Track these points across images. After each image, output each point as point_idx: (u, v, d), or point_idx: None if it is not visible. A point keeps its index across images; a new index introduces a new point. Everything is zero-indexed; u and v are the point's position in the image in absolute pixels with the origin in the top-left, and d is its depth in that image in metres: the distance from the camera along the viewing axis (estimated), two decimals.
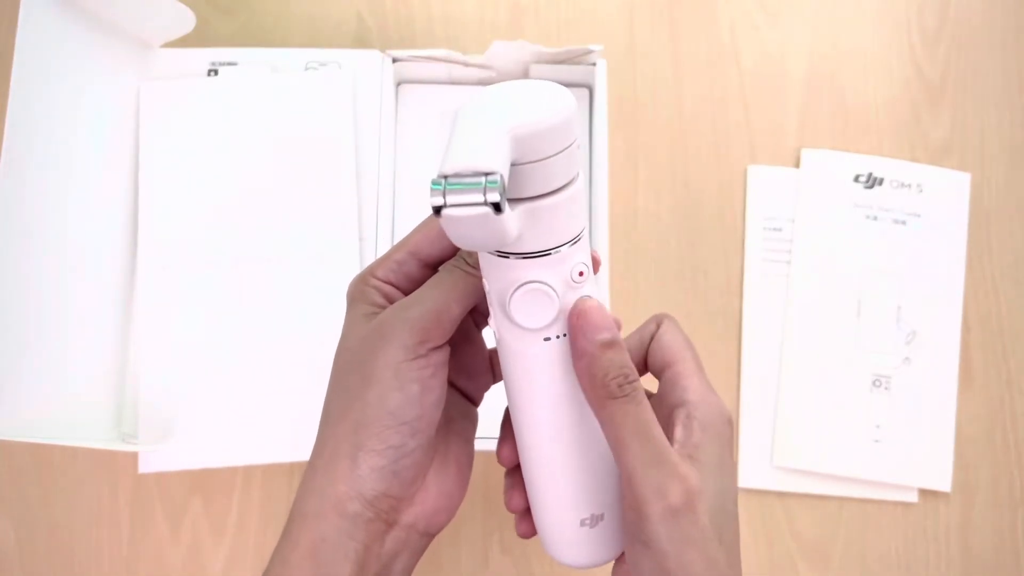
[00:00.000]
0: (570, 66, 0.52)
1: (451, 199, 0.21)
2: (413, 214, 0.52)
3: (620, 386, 0.26)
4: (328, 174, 0.51)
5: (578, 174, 0.25)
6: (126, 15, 0.49)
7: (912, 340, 0.56)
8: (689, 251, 0.57)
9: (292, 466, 0.53)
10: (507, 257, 0.25)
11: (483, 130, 0.22)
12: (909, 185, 0.58)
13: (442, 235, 0.29)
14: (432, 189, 0.21)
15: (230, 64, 0.52)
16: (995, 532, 0.54)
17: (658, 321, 0.32)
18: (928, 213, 0.58)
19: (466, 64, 0.52)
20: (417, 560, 0.30)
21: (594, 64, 0.51)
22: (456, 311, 0.28)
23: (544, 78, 0.53)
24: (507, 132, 0.22)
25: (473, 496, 0.52)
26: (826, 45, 0.60)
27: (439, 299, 0.28)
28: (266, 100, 0.52)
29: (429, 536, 0.30)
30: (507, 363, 0.28)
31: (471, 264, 0.28)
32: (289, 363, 0.49)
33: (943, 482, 0.55)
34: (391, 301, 0.30)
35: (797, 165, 0.58)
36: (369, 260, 0.50)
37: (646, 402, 0.27)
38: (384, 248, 0.50)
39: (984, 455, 0.55)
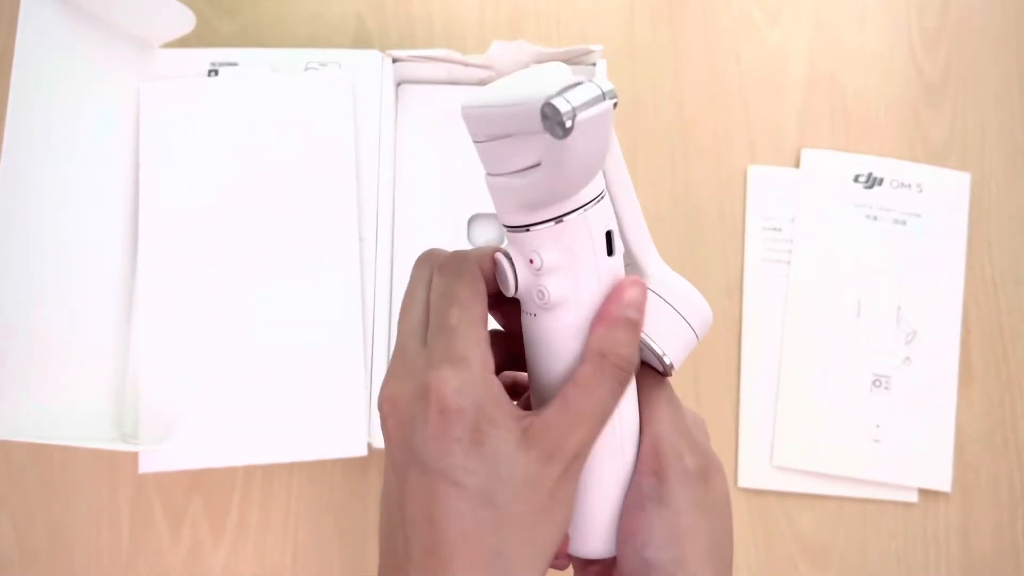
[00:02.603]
0: (570, 66, 0.52)
1: (578, 102, 0.21)
2: (413, 214, 0.52)
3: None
4: (328, 174, 0.51)
5: (540, 166, 0.24)
6: (126, 15, 0.49)
7: (912, 340, 0.56)
8: (689, 251, 0.57)
9: (292, 466, 0.53)
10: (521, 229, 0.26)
11: (529, 75, 0.23)
12: (909, 185, 0.58)
13: (486, 295, 0.27)
14: (553, 106, 0.21)
15: (230, 64, 0.52)
16: (995, 532, 0.54)
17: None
18: (928, 213, 0.58)
19: (466, 64, 0.52)
20: None
21: (594, 64, 0.51)
22: None
23: None
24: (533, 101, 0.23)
25: None
26: (826, 45, 0.60)
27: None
28: (266, 100, 0.52)
29: None
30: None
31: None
32: (289, 363, 0.49)
33: (943, 482, 0.55)
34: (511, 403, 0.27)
35: (797, 165, 0.58)
36: (369, 260, 0.50)
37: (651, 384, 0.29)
38: (384, 248, 0.50)
39: (984, 455, 0.55)
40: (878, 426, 0.55)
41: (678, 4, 0.60)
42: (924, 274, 0.57)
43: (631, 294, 0.27)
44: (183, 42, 0.52)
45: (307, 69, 0.53)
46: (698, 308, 0.28)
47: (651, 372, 0.29)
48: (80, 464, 0.52)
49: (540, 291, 0.26)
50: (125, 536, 0.52)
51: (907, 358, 0.56)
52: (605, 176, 0.27)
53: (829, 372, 0.56)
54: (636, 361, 0.27)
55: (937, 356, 0.56)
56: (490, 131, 0.24)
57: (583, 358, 0.26)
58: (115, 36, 0.49)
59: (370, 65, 0.52)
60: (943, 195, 0.58)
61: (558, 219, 0.25)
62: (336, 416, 0.48)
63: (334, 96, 0.52)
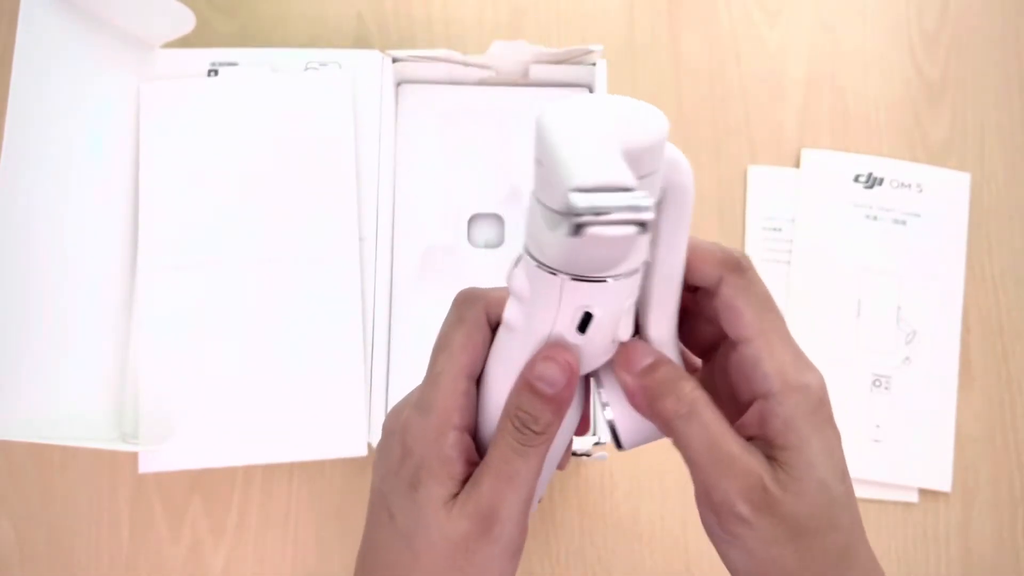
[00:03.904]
0: (570, 66, 0.52)
1: (600, 215, 0.18)
2: (413, 214, 0.52)
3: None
4: (328, 174, 0.51)
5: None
6: (126, 15, 0.49)
7: (912, 340, 0.56)
8: None
9: (292, 466, 0.53)
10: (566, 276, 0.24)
11: (598, 143, 0.20)
12: (909, 185, 0.58)
13: (486, 342, 0.27)
14: (573, 205, 0.18)
15: (230, 64, 0.52)
16: (995, 532, 0.54)
17: (716, 280, 0.27)
18: (928, 213, 0.58)
19: (466, 64, 0.52)
20: None
21: (594, 64, 0.51)
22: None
23: (544, 78, 0.53)
24: (620, 145, 0.20)
25: None
26: (826, 45, 0.60)
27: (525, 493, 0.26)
28: (266, 100, 0.52)
29: None
30: None
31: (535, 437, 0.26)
32: (289, 363, 0.49)
33: (943, 482, 0.55)
34: (472, 463, 0.27)
35: (797, 165, 0.58)
36: (369, 260, 0.50)
37: (708, 412, 0.25)
38: (384, 249, 0.50)
39: (984, 455, 0.55)
40: (878, 426, 0.55)
41: (678, 4, 0.60)
42: (924, 274, 0.57)
43: (541, 369, 0.25)
44: (183, 42, 0.52)
45: (307, 69, 0.53)
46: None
47: (678, 421, 0.26)
48: (80, 464, 0.52)
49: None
50: (125, 536, 0.52)
51: (907, 358, 0.56)
52: (652, 259, 0.25)
53: (829, 372, 0.55)
54: (546, 430, 0.26)
55: (937, 356, 0.56)
56: (536, 153, 0.22)
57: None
58: (115, 36, 0.49)
59: (370, 65, 0.52)
60: (943, 195, 0.58)
61: (539, 263, 0.23)
62: (336, 416, 0.48)
63: (334, 96, 0.52)
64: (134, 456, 0.50)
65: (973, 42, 0.60)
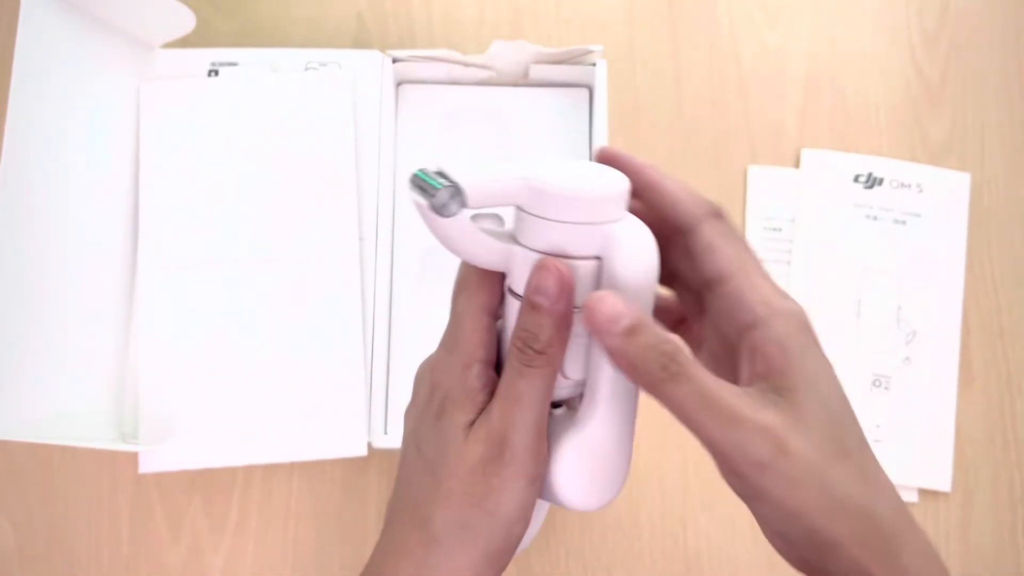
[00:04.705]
0: (570, 66, 0.52)
1: (416, 188, 0.25)
2: (413, 214, 0.52)
3: (664, 367, 0.25)
4: (328, 174, 0.51)
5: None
6: (126, 15, 0.49)
7: (912, 340, 0.56)
8: None
9: (292, 466, 0.53)
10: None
11: (515, 166, 0.26)
12: (909, 185, 0.58)
13: (502, 279, 0.28)
14: (412, 175, 0.25)
15: (230, 64, 0.52)
16: (995, 532, 0.54)
17: (697, 220, 0.28)
18: (928, 213, 0.58)
19: (466, 64, 0.52)
20: None
21: (594, 64, 0.51)
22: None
23: (544, 78, 0.53)
24: (524, 177, 0.25)
25: None
26: (826, 45, 0.60)
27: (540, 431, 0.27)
28: (266, 100, 0.52)
29: None
30: None
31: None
32: (289, 363, 0.49)
33: (943, 482, 0.55)
34: (490, 395, 0.28)
35: (797, 165, 0.58)
36: (369, 260, 0.50)
37: (698, 372, 0.25)
38: (384, 248, 0.50)
39: (984, 455, 0.55)
40: (878, 426, 0.55)
41: (678, 4, 0.60)
42: (924, 274, 0.57)
43: (536, 279, 0.26)
44: (183, 42, 0.52)
45: (307, 69, 0.53)
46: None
47: (669, 384, 0.25)
48: (80, 464, 0.52)
49: None
50: (125, 536, 0.52)
51: (907, 358, 0.56)
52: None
53: None
54: (546, 349, 0.26)
55: (937, 356, 0.56)
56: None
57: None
58: (115, 36, 0.49)
59: (370, 65, 0.52)
60: (943, 195, 0.58)
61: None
62: (336, 416, 0.48)
63: (334, 96, 0.52)
64: (134, 456, 0.50)
65: (973, 42, 0.60)
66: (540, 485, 0.28)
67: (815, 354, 0.26)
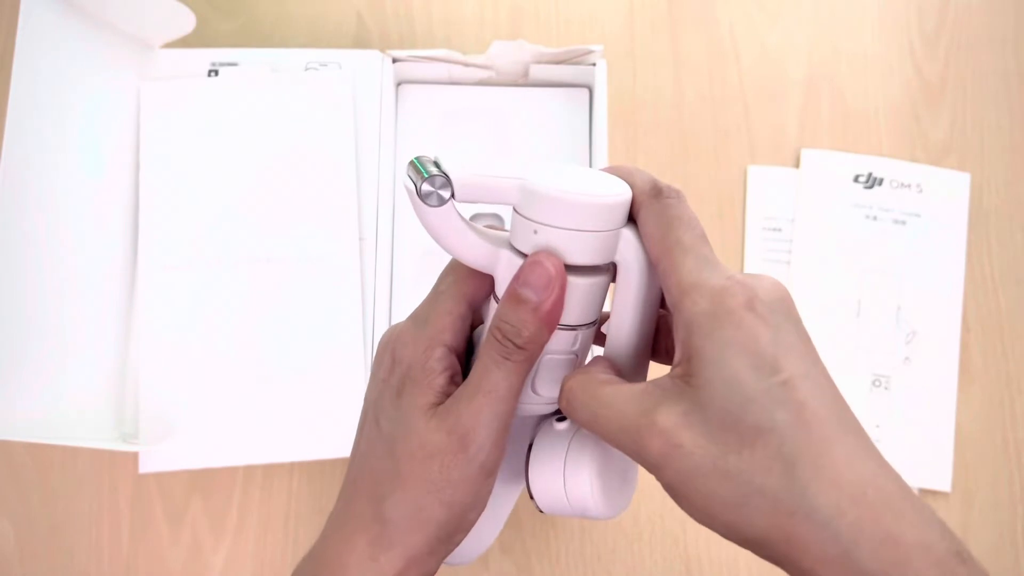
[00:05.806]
0: (570, 66, 0.52)
1: (409, 174, 0.25)
2: (413, 214, 0.52)
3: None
4: (328, 174, 0.51)
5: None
6: (126, 16, 0.49)
7: (912, 340, 0.56)
8: None
9: (292, 466, 0.53)
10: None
11: (513, 166, 0.25)
12: (909, 185, 0.58)
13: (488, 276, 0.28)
14: (409, 161, 0.25)
15: (230, 64, 0.52)
16: (995, 532, 0.54)
17: (639, 206, 0.26)
18: (928, 213, 0.58)
19: (466, 64, 0.52)
20: None
21: (594, 64, 0.51)
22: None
23: (544, 78, 0.53)
24: (519, 177, 0.25)
25: None
26: (826, 45, 0.60)
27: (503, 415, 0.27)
28: (266, 100, 0.52)
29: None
30: None
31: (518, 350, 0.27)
32: (289, 363, 0.49)
33: (943, 482, 0.55)
34: (455, 383, 0.27)
35: (797, 165, 0.58)
36: (369, 260, 0.50)
37: (591, 378, 0.25)
38: (384, 248, 0.50)
39: (984, 455, 0.55)
40: (878, 426, 0.55)
41: (678, 4, 0.60)
42: (924, 274, 0.57)
43: (527, 272, 0.25)
44: (183, 42, 0.52)
45: (307, 69, 0.53)
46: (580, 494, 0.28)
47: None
48: (80, 464, 0.52)
49: None
50: (125, 536, 0.52)
51: (907, 358, 0.56)
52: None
53: (829, 372, 0.55)
54: (527, 345, 0.26)
55: (937, 356, 0.56)
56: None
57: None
58: (115, 36, 0.49)
59: (370, 65, 0.52)
60: (943, 195, 0.58)
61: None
62: (336, 416, 0.48)
63: (334, 96, 0.52)
64: (134, 456, 0.50)
65: (973, 42, 0.60)
66: (496, 476, 0.27)
67: (730, 331, 0.22)
